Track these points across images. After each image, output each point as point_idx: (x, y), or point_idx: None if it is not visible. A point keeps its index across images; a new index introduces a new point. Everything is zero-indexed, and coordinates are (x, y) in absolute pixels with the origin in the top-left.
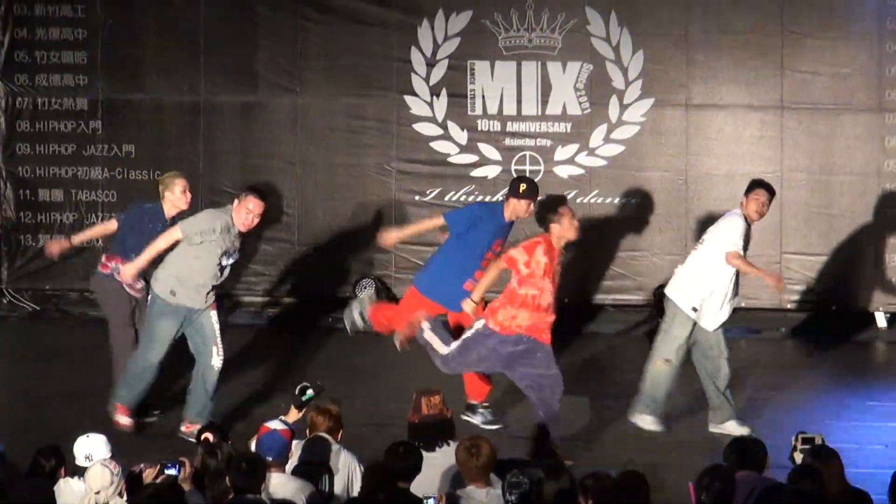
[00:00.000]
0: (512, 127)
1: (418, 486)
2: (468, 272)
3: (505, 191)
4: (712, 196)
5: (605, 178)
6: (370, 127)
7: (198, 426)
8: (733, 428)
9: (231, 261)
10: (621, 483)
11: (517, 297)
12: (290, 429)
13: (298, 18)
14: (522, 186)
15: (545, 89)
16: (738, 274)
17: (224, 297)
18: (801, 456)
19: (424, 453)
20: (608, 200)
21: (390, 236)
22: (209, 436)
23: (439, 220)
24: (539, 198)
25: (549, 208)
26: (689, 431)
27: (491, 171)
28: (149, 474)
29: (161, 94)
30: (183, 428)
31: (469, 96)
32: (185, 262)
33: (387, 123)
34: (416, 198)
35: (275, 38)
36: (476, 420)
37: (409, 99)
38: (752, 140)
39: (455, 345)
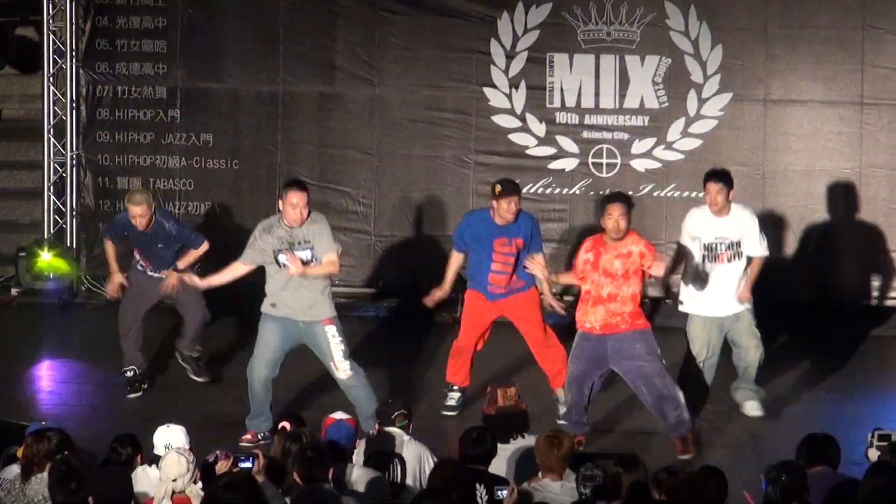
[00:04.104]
0: (590, 120)
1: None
2: (483, 274)
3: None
4: (789, 192)
5: (683, 172)
6: (448, 119)
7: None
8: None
9: (300, 252)
10: (693, 478)
11: (582, 294)
12: (354, 417)
13: (377, 10)
14: (498, 188)
15: (623, 83)
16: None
17: None
18: (877, 453)
19: (498, 445)
20: (685, 195)
21: (434, 297)
22: (286, 425)
23: (457, 255)
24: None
25: (600, 206)
26: None
27: (569, 164)
28: (222, 466)
29: (239, 84)
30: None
31: (548, 89)
32: (268, 277)
33: (465, 115)
34: None
35: (354, 29)
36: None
37: (487, 91)
38: (830, 136)
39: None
